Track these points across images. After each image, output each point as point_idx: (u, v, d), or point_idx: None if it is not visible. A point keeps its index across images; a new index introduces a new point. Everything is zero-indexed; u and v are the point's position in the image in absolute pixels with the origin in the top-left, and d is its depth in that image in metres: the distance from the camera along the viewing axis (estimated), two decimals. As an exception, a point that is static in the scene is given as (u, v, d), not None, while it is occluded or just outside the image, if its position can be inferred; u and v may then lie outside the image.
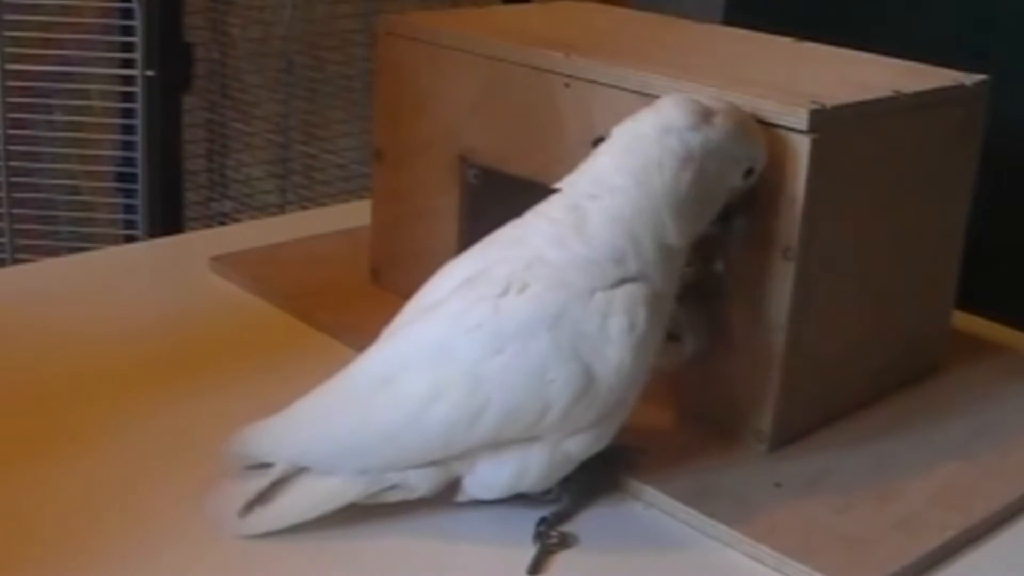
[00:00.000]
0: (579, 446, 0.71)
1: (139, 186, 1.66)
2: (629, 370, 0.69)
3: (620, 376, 0.68)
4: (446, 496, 0.72)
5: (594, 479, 0.74)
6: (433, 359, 0.68)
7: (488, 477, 0.71)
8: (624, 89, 0.81)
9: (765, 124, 0.75)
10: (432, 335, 0.69)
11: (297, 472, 0.70)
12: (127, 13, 1.62)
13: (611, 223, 0.70)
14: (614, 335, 0.68)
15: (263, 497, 0.70)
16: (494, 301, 0.68)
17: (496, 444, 0.69)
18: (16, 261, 1.59)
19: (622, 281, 0.69)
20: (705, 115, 0.71)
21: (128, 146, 1.68)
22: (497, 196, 0.91)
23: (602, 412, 0.70)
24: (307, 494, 0.70)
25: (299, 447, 0.70)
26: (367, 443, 0.69)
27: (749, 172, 0.74)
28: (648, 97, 0.80)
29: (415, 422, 0.68)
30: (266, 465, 0.71)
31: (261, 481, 0.70)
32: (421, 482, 0.70)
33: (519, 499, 0.72)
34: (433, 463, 0.70)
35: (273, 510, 0.70)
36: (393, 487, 0.70)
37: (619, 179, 0.70)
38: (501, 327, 0.68)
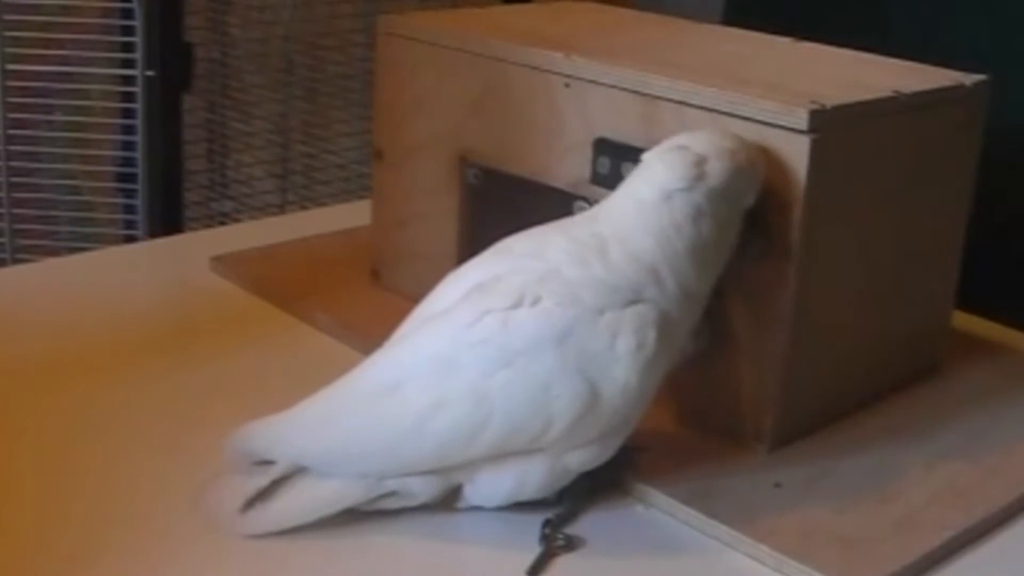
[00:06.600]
0: (580, 460, 0.71)
1: (139, 186, 1.66)
2: (635, 390, 0.68)
3: (626, 396, 0.68)
4: (447, 502, 0.72)
5: (595, 480, 0.74)
6: (439, 370, 0.68)
7: (488, 487, 0.71)
8: (624, 89, 0.81)
9: (765, 124, 0.75)
10: (439, 346, 0.69)
11: (298, 472, 0.70)
12: (127, 13, 1.62)
13: (633, 261, 0.70)
14: (622, 354, 0.68)
15: (263, 495, 0.70)
16: (504, 314, 0.68)
17: (497, 456, 0.69)
18: (16, 261, 1.59)
19: (633, 302, 0.69)
20: (698, 166, 0.70)
21: (128, 146, 1.68)
22: (497, 196, 0.91)
23: (605, 429, 0.70)
24: (307, 496, 0.70)
25: (300, 447, 0.70)
26: (368, 449, 0.69)
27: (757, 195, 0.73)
28: (648, 97, 0.80)
29: (417, 432, 0.68)
30: (267, 463, 0.71)
31: (261, 479, 0.70)
32: (421, 489, 0.70)
33: (522, 501, 0.72)
34: (433, 472, 0.70)
35: (272, 510, 0.70)
36: (393, 493, 0.70)
37: (639, 235, 0.70)
38: (508, 342, 0.67)
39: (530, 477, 0.70)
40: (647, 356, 0.68)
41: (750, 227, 0.75)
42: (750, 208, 0.74)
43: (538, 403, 0.67)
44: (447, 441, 0.68)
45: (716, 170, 0.71)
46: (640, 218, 0.71)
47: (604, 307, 0.68)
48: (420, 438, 0.68)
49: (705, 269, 0.72)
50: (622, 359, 0.68)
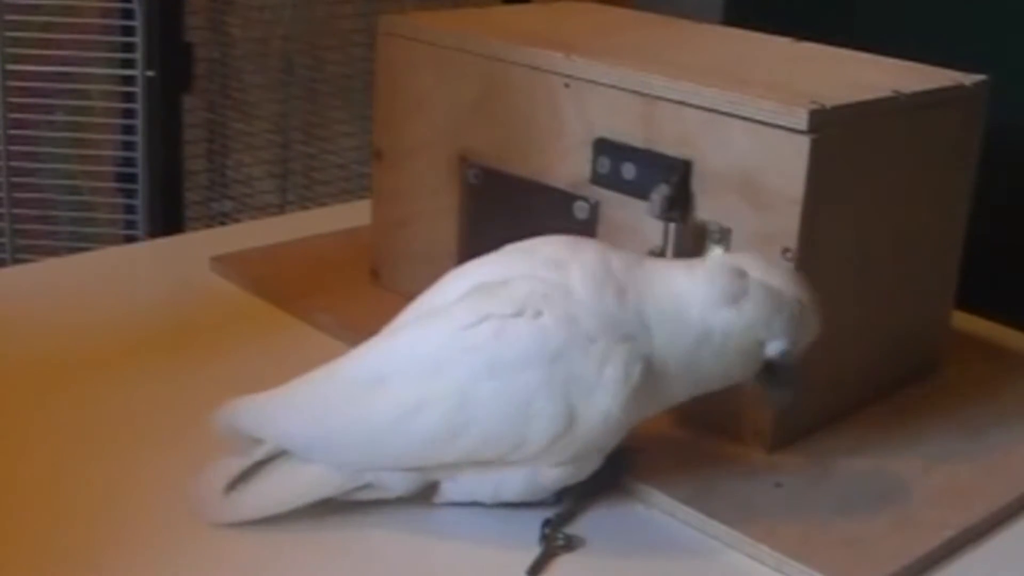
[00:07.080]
0: (555, 477, 0.71)
1: (139, 186, 1.66)
2: (615, 419, 0.68)
3: (606, 424, 0.68)
4: (425, 496, 0.72)
5: (595, 480, 0.73)
6: (427, 370, 0.68)
7: (468, 486, 0.71)
8: (624, 89, 0.81)
9: (765, 124, 0.75)
10: (431, 344, 0.69)
11: (280, 457, 0.71)
12: (127, 13, 1.62)
13: (637, 315, 0.69)
14: (607, 382, 0.68)
15: (245, 476, 0.70)
16: (501, 322, 0.68)
17: (472, 463, 0.70)
18: (16, 261, 1.59)
19: (628, 339, 0.68)
20: (735, 297, 0.69)
21: (128, 146, 1.68)
22: (497, 196, 0.91)
23: (579, 453, 0.70)
24: (287, 482, 0.70)
25: (283, 429, 0.70)
26: (349, 440, 0.69)
27: (786, 351, 0.70)
28: (648, 97, 0.80)
29: (397, 429, 0.68)
30: (255, 440, 0.71)
31: (245, 460, 0.70)
32: (396, 484, 0.71)
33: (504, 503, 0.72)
34: (410, 469, 0.70)
35: (251, 496, 0.70)
36: (368, 486, 0.71)
37: (650, 301, 0.69)
38: (498, 354, 0.67)
39: (508, 484, 0.71)
40: (632, 388, 0.68)
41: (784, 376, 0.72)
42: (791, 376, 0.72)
43: (517, 419, 0.67)
44: (425, 441, 0.68)
45: (749, 310, 0.69)
46: (663, 295, 0.69)
47: (598, 336, 0.68)
48: (399, 435, 0.68)
49: (688, 383, 0.70)
50: (607, 387, 0.68)
